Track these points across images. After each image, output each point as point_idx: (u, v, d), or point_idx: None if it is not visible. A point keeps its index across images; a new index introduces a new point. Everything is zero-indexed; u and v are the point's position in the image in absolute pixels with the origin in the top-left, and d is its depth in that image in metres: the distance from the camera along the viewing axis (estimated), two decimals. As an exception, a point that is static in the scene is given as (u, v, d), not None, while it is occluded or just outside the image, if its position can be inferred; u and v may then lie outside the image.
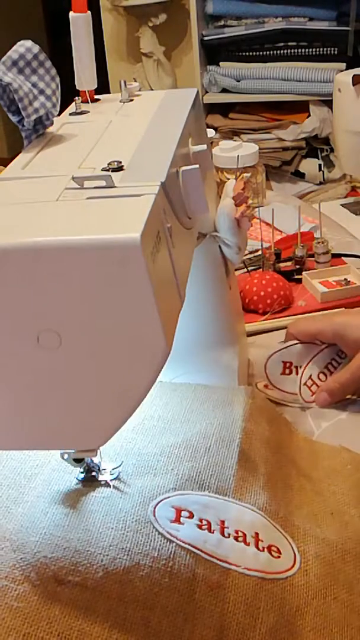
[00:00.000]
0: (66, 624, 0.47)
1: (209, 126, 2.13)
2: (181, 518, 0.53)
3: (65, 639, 0.46)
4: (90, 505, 0.54)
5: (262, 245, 1.09)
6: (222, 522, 0.54)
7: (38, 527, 0.52)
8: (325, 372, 0.77)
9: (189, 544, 0.51)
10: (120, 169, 0.49)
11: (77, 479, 0.57)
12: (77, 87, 0.67)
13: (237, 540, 0.53)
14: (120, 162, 0.49)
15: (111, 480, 0.56)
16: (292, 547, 0.55)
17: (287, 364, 0.78)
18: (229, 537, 0.53)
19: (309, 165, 2.15)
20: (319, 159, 2.14)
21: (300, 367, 0.77)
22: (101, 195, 0.45)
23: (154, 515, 0.53)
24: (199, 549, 0.51)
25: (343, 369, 0.76)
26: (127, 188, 0.46)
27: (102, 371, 0.43)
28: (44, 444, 0.49)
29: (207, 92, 2.32)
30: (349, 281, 1.00)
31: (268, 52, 2.21)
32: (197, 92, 0.67)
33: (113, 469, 0.57)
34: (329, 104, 1.91)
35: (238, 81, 2.25)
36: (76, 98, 0.66)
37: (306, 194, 1.82)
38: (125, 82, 0.66)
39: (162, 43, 2.46)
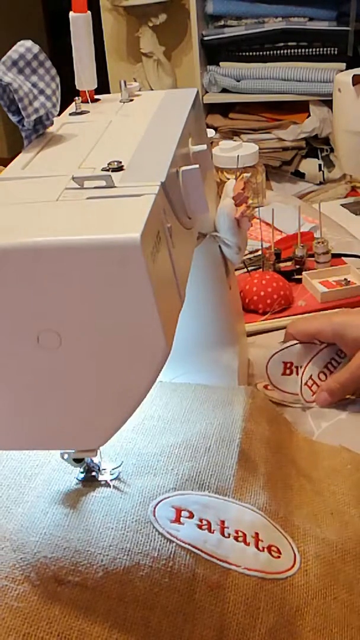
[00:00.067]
0: (66, 624, 0.47)
1: (209, 126, 2.13)
2: (181, 518, 0.53)
3: (65, 639, 0.46)
4: (90, 505, 0.54)
5: (262, 245, 1.09)
6: (222, 522, 0.54)
7: (38, 527, 0.52)
8: (325, 371, 0.77)
9: (189, 544, 0.51)
10: (120, 169, 0.49)
11: (77, 479, 0.57)
12: (77, 87, 0.67)
13: (237, 540, 0.53)
14: (120, 162, 0.49)
15: (111, 480, 0.56)
16: (292, 547, 0.55)
17: (288, 365, 0.78)
18: (229, 537, 0.53)
19: (309, 165, 2.15)
20: (319, 159, 2.14)
21: (301, 367, 0.77)
22: (101, 195, 0.45)
23: (154, 515, 0.53)
24: (199, 549, 0.51)
25: (343, 369, 0.76)
26: (127, 188, 0.46)
27: (102, 371, 0.43)
28: (44, 444, 0.49)
29: (207, 92, 2.32)
30: (349, 281, 1.00)
31: (268, 52, 2.21)
32: (197, 92, 0.67)
33: (113, 469, 0.57)
34: (329, 104, 1.91)
35: (238, 81, 2.25)
36: (76, 98, 0.66)
37: (306, 194, 1.82)
38: (125, 82, 0.66)
39: (162, 43, 2.46)
